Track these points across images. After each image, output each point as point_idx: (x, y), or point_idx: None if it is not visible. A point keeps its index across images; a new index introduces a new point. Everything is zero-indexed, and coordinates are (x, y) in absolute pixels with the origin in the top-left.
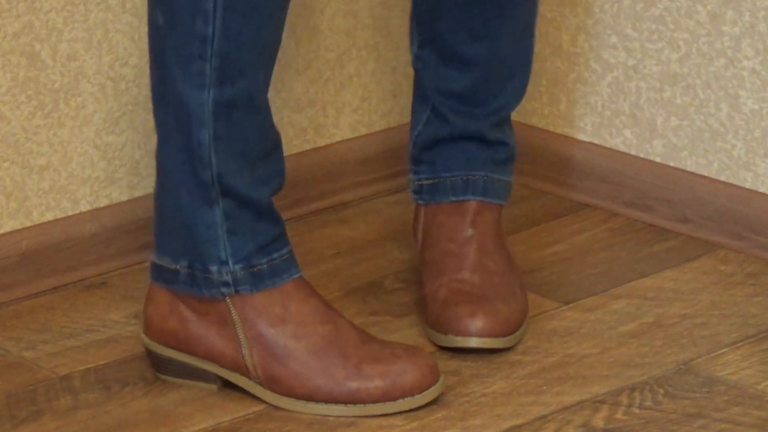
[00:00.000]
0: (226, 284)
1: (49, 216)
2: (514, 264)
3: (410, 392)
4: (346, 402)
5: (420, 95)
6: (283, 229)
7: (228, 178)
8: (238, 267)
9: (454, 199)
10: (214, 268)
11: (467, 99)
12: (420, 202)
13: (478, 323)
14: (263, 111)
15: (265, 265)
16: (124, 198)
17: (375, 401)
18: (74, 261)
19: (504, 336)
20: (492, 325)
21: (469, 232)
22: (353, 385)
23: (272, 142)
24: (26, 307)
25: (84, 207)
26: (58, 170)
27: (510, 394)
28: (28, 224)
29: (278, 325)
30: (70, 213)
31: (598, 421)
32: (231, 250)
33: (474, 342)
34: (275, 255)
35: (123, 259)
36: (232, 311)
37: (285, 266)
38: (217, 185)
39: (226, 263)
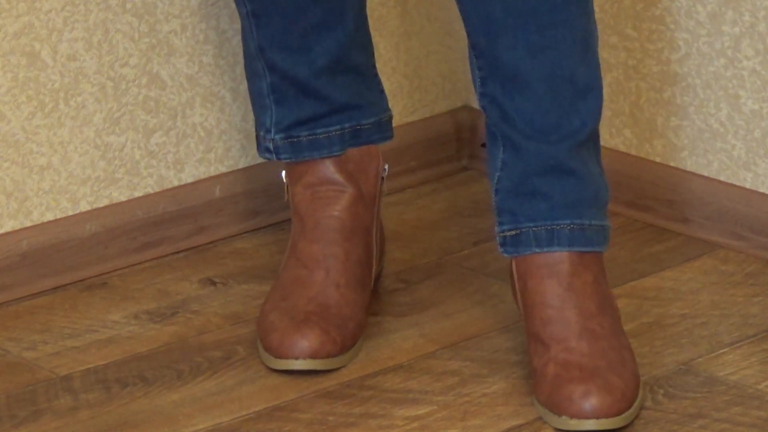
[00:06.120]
0: (268, 150)
1: (49, 216)
2: (619, 323)
3: (273, 350)
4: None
5: (491, 137)
6: (333, 108)
7: (269, 53)
8: (278, 136)
9: (538, 250)
10: (261, 133)
11: (537, 123)
12: (505, 254)
13: (593, 402)
14: None
15: (305, 138)
16: (124, 198)
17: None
18: (74, 261)
19: (621, 414)
20: (609, 404)
21: (566, 295)
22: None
23: (314, 19)
24: (26, 307)
25: (84, 207)
26: (58, 170)
27: (510, 394)
28: (28, 224)
29: (303, 203)
30: (70, 213)
31: None
32: (275, 119)
33: (591, 425)
34: (319, 131)
35: (123, 259)
36: (283, 173)
37: (327, 142)
38: (262, 59)
39: (270, 131)
